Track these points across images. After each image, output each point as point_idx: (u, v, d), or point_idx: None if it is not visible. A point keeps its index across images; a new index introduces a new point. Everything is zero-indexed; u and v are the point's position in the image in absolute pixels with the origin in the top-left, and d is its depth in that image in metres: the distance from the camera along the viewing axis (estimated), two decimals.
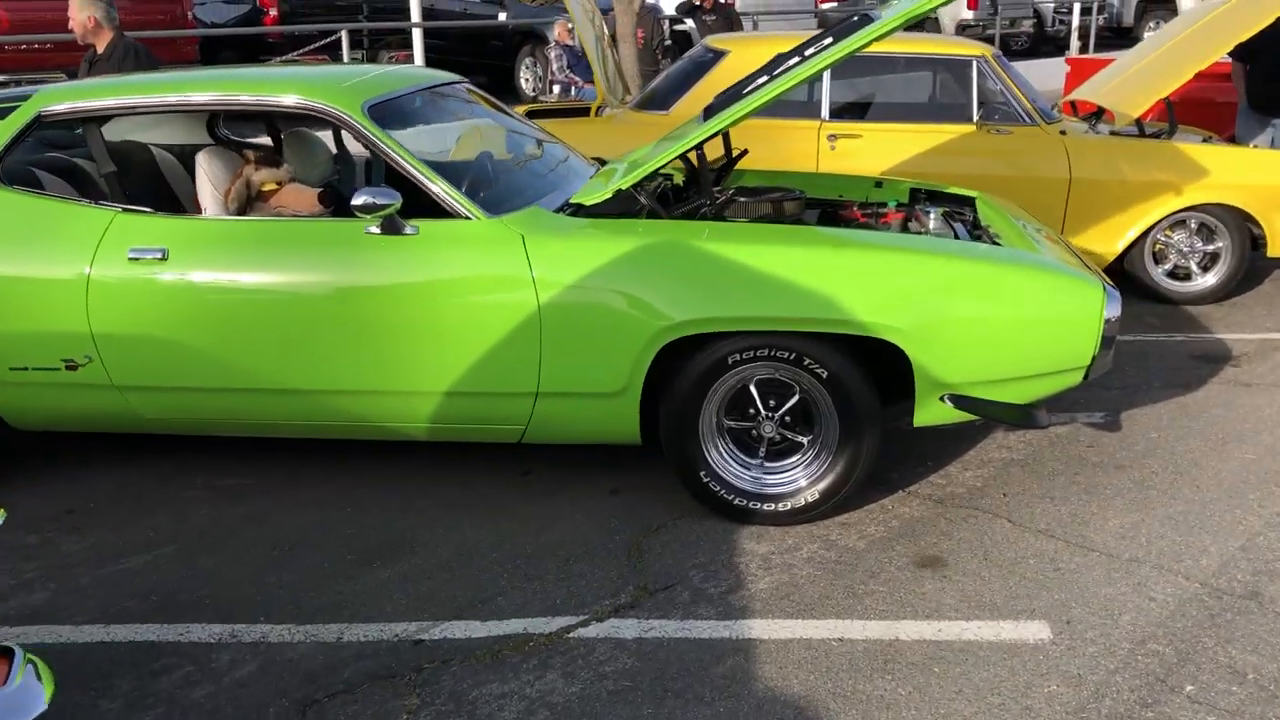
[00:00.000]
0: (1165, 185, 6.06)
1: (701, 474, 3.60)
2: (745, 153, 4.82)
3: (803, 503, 3.59)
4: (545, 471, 4.04)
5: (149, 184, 4.13)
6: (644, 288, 3.44)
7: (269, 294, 3.56)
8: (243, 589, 3.30)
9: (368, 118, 3.62)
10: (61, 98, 3.81)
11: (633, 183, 3.67)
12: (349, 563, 3.45)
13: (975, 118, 6.06)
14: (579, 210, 3.69)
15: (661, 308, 3.42)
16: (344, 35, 12.21)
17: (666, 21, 15.28)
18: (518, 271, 3.46)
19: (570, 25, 11.65)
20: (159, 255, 3.59)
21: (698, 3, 14.71)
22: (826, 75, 6.24)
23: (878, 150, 6.17)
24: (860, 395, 3.47)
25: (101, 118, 3.85)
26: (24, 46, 10.84)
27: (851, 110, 6.30)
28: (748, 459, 3.65)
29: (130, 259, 3.59)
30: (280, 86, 3.75)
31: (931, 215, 4.17)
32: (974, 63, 6.16)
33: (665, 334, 3.43)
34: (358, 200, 3.41)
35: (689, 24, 15.92)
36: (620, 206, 3.72)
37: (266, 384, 3.64)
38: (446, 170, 3.75)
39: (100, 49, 6.22)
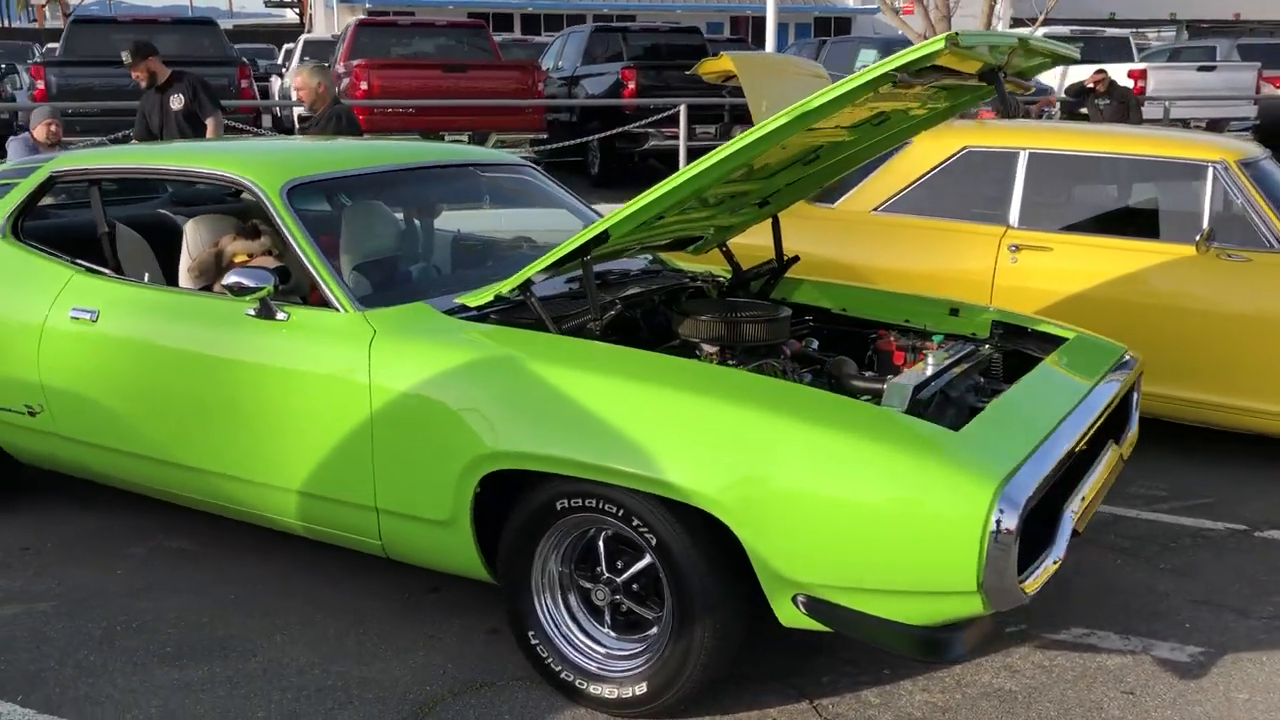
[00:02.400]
0: None
1: (530, 633, 3.05)
2: (796, 259, 4.13)
3: (630, 694, 2.92)
4: (453, 591, 3.64)
5: (139, 247, 4.27)
6: (467, 408, 2.98)
7: (161, 365, 3.54)
8: (46, 664, 3.25)
9: (281, 196, 3.48)
10: (72, 161, 4.07)
11: (512, 287, 3.21)
12: (163, 656, 3.29)
13: (1199, 238, 4.79)
14: (463, 311, 3.29)
15: (480, 433, 2.94)
16: (682, 109, 12.41)
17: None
18: (356, 372, 3.14)
19: None
20: (91, 316, 3.68)
21: (1090, 85, 13.34)
22: (1020, 173, 5.25)
23: (1066, 268, 5.07)
24: (692, 574, 2.75)
25: (96, 180, 4.05)
26: (390, 111, 12.08)
27: (1047, 217, 5.24)
28: (596, 627, 3.04)
29: (71, 317, 3.72)
30: (220, 160, 3.74)
31: (930, 359, 3.27)
32: (1210, 169, 4.89)
33: (483, 464, 2.94)
34: (227, 280, 3.29)
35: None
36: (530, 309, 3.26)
37: (164, 455, 3.60)
38: (371, 254, 3.53)
39: (318, 112, 6.71)
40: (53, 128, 7.42)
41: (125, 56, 7.48)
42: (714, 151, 2.84)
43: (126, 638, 3.40)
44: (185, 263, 3.99)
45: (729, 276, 4.17)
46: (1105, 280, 4.97)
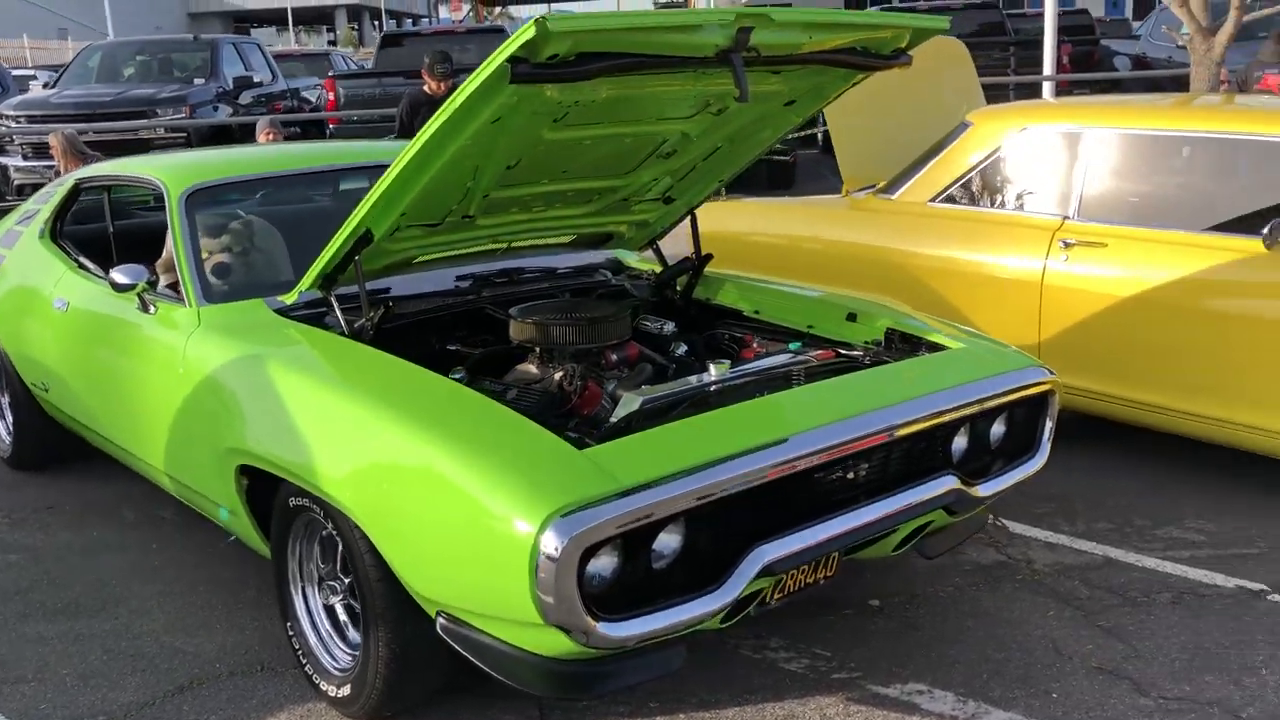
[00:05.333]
0: None
1: (288, 624, 3.14)
2: (709, 257, 3.89)
3: (339, 694, 2.93)
4: None
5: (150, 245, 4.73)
6: (222, 404, 3.16)
7: (94, 349, 3.98)
8: None
9: (180, 199, 3.78)
10: (94, 170, 4.65)
11: (310, 284, 3.30)
12: (51, 609, 3.72)
13: (1266, 231, 3.92)
14: (295, 309, 3.43)
15: (227, 429, 3.10)
16: None
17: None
18: (175, 363, 3.39)
19: None
20: (63, 307, 4.20)
21: None
22: (1082, 157, 4.55)
23: (1118, 267, 4.34)
24: (366, 578, 2.72)
25: (103, 186, 4.57)
26: None
27: (1109, 207, 4.50)
28: (328, 624, 3.09)
29: (55, 307, 4.26)
30: (149, 166, 4.11)
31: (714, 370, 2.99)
32: None
33: (232, 457, 3.08)
34: (111, 275, 3.64)
35: None
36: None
37: (101, 429, 4.05)
38: (241, 254, 3.78)
39: None
40: (272, 135, 8.36)
41: (440, 69, 8.08)
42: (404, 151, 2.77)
43: (39, 590, 3.86)
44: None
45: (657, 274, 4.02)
46: (1164, 282, 4.20)
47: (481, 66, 2.48)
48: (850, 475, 2.79)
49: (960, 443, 3.10)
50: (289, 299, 3.40)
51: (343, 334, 3.21)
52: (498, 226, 3.45)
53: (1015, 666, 3.15)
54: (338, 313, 3.26)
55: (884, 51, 3.10)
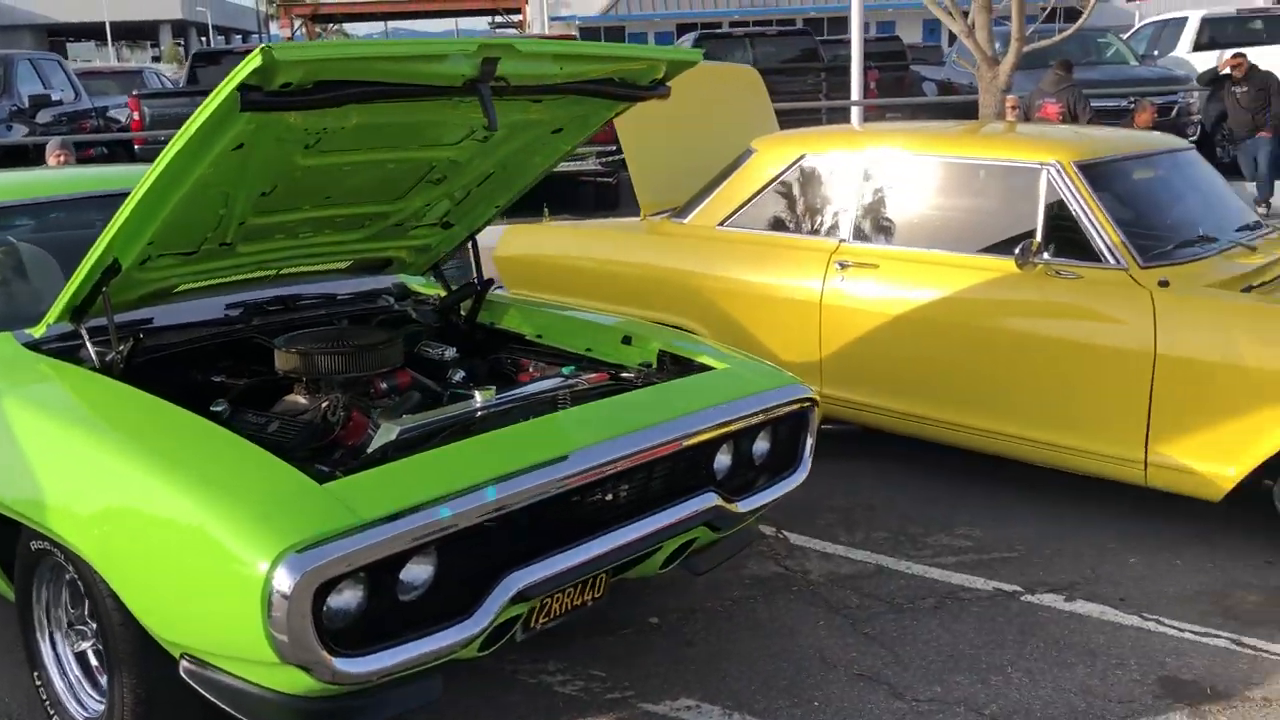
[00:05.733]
0: None
1: (35, 673, 2.99)
2: (491, 282, 3.90)
3: None
4: None
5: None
6: None
7: None
8: None
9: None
10: None
11: (57, 317, 3.16)
12: None
13: (1024, 250, 4.16)
14: (47, 341, 3.27)
15: None
16: None
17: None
18: None
19: None
20: None
21: (1226, 71, 11.99)
22: (854, 182, 4.75)
23: (889, 287, 4.54)
24: (109, 623, 2.61)
25: None
26: None
27: (879, 230, 4.71)
28: (78, 672, 2.96)
29: None
30: None
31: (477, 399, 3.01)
32: (1043, 172, 4.26)
33: None
34: None
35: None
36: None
37: None
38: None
39: None
40: (63, 157, 7.98)
41: None
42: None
43: None
44: None
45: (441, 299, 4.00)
46: (929, 301, 4.41)
47: (214, 93, 2.44)
48: (610, 496, 2.84)
49: (724, 460, 3.19)
50: (37, 332, 3.24)
51: (94, 368, 3.09)
52: (262, 253, 3.38)
53: (783, 677, 3.25)
54: (89, 346, 3.13)
55: (642, 82, 3.17)
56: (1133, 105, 11.40)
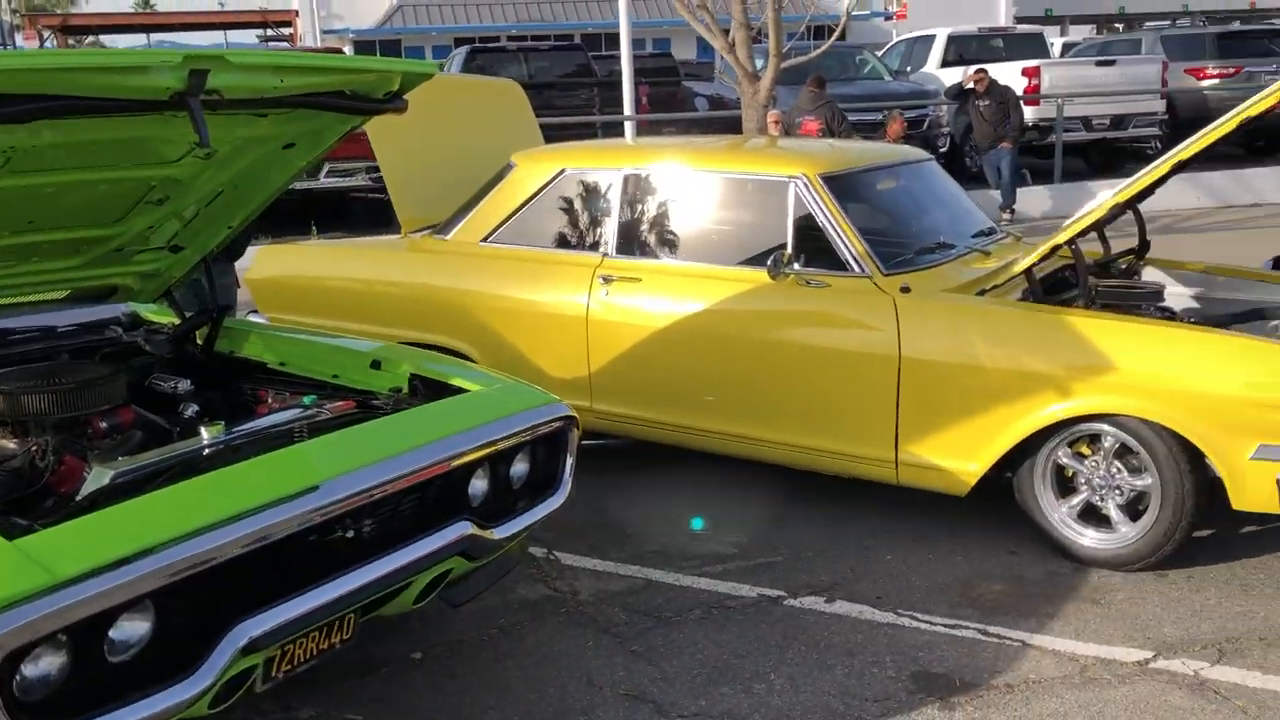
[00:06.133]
0: (1044, 380, 3.85)
1: None
2: (227, 308, 3.68)
3: None
4: None
5: None
6: None
7: None
8: None
9: None
10: None
11: None
12: None
13: (775, 261, 4.23)
14: None
15: None
16: None
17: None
18: None
19: None
20: None
21: (969, 86, 12.73)
22: (615, 196, 4.75)
23: (652, 300, 4.56)
24: None
25: None
26: None
27: (640, 243, 4.72)
28: None
29: None
30: None
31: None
32: (790, 185, 4.35)
33: None
34: None
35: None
36: None
37: None
38: None
39: None
40: None
41: None
42: None
43: None
44: None
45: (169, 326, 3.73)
46: (690, 313, 4.45)
47: None
48: (352, 533, 2.70)
49: (479, 485, 3.09)
50: None
51: None
52: (25, 280, 3.07)
53: (548, 705, 3.17)
54: None
55: (376, 95, 3.05)
56: (885, 118, 12.00)
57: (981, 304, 4.08)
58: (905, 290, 4.10)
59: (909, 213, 4.78)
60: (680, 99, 16.90)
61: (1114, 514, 3.90)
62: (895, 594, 3.78)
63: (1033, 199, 12.47)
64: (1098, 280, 4.41)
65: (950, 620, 3.59)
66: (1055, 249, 4.12)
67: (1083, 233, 4.06)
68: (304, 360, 3.60)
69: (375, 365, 3.47)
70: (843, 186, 4.37)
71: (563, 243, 4.90)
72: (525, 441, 3.17)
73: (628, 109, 12.33)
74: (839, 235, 4.24)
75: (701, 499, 4.64)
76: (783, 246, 4.29)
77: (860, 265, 4.19)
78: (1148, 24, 28.42)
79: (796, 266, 4.25)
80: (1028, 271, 4.15)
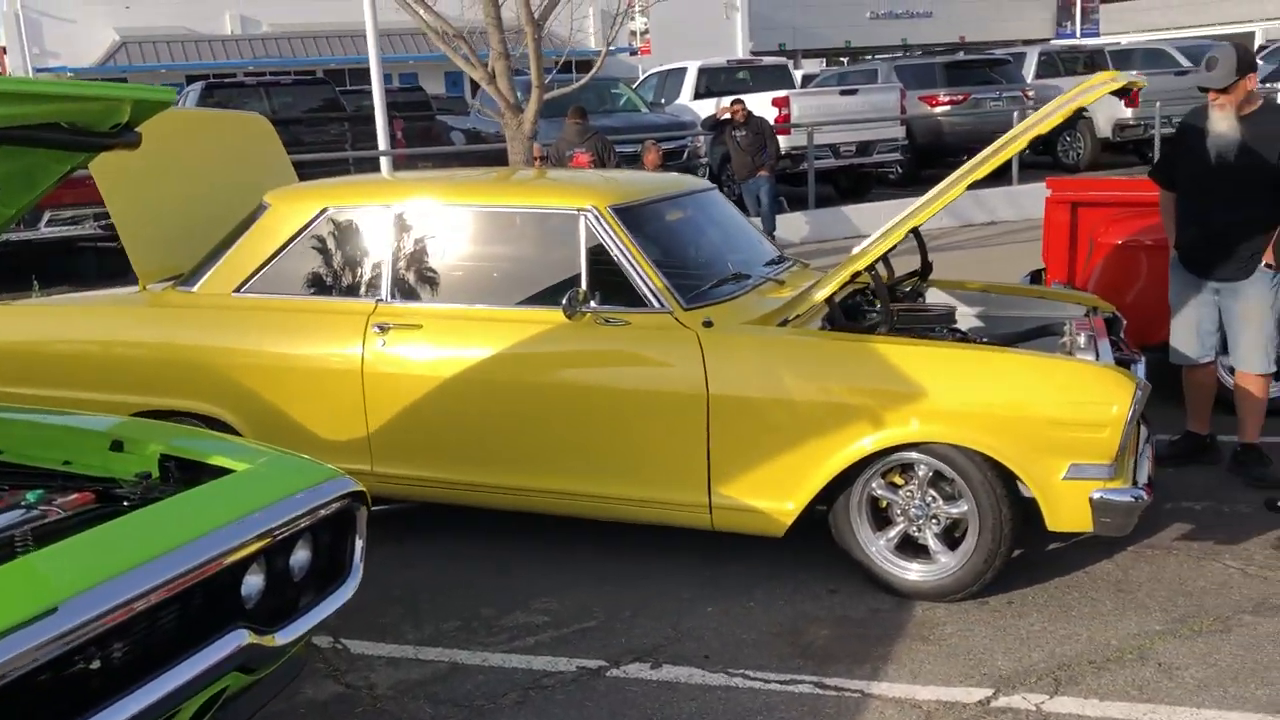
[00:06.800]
0: (856, 411, 3.71)
1: None
2: None
3: None
4: None
5: None
6: None
7: None
8: None
9: None
10: None
11: None
12: None
13: (570, 299, 3.92)
14: None
15: None
16: None
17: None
18: None
19: None
20: None
21: (726, 116, 12.90)
22: (388, 236, 4.33)
23: (435, 348, 4.16)
24: None
25: None
26: None
27: (420, 287, 4.32)
28: None
29: None
30: None
31: None
32: (580, 218, 4.07)
33: None
34: None
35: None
36: None
37: None
38: None
39: None
40: None
41: None
42: None
43: None
44: None
45: None
46: (479, 360, 4.07)
47: None
48: (96, 663, 2.18)
49: (254, 582, 2.62)
50: None
51: None
52: None
53: None
54: None
55: (101, 128, 2.55)
56: (640, 149, 11.99)
57: (787, 335, 3.91)
58: (708, 325, 3.88)
59: (701, 244, 4.59)
60: (435, 134, 16.45)
61: (932, 544, 3.80)
62: (723, 651, 3.53)
63: (791, 225, 12.76)
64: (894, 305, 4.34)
65: (784, 676, 3.36)
66: (856, 275, 4.01)
67: (882, 257, 3.97)
68: (26, 445, 3.00)
69: (117, 446, 2.92)
70: (634, 218, 4.13)
71: (330, 289, 4.42)
72: (307, 527, 2.72)
73: (382, 144, 11.80)
74: (636, 270, 3.98)
75: (502, 562, 4.26)
76: (577, 283, 4.00)
77: (660, 300, 3.95)
78: (878, 56, 30.19)
79: (593, 304, 3.96)
80: (829, 299, 4.02)
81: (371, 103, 15.79)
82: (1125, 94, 4.11)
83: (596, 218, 4.04)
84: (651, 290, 3.96)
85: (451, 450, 4.17)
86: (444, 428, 4.17)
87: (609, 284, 4.01)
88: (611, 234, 4.01)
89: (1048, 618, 3.65)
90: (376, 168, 12.21)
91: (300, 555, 2.76)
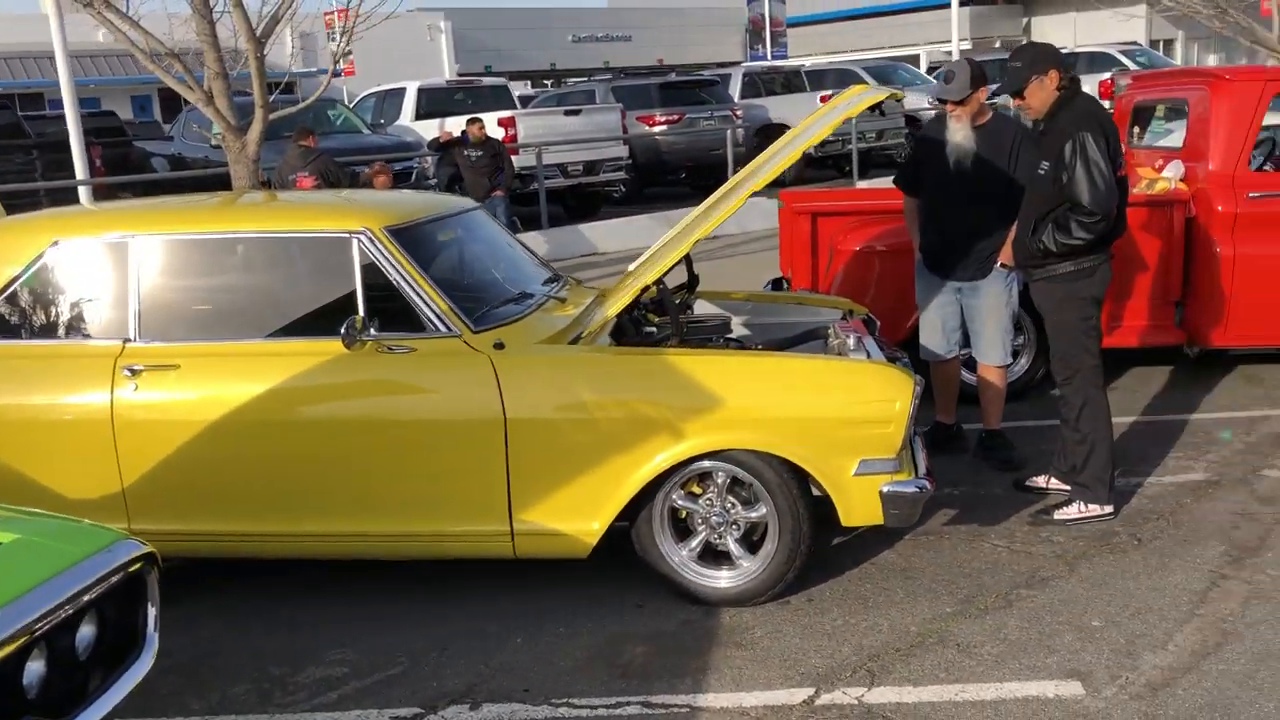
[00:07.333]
0: (655, 425, 3.70)
1: None
2: None
3: None
4: None
5: None
6: None
7: None
8: None
9: None
10: None
11: None
12: None
13: (349, 329, 3.69)
14: None
15: None
16: None
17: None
18: None
19: None
20: None
21: (456, 136, 12.69)
22: (132, 268, 3.93)
23: (196, 390, 3.81)
24: None
25: None
26: None
27: (175, 323, 3.96)
28: None
29: None
30: None
31: None
32: (353, 242, 3.85)
33: None
34: None
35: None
36: None
37: None
38: None
39: None
40: None
41: None
42: None
43: None
44: None
45: None
46: (249, 399, 3.77)
47: None
48: None
49: (35, 669, 2.28)
50: None
51: None
52: None
53: None
54: None
55: None
56: (366, 172, 11.60)
57: (583, 354, 3.85)
58: (500, 346, 3.76)
59: (479, 264, 4.46)
60: (135, 160, 15.28)
61: (734, 549, 3.84)
62: (542, 682, 3.42)
63: (530, 245, 12.69)
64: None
65: (609, 700, 3.29)
66: (645, 289, 4.01)
67: (669, 270, 3.99)
68: None
69: None
70: (410, 239, 3.95)
71: (67, 331, 3.97)
72: (92, 600, 2.40)
73: (81, 172, 10.82)
74: (417, 293, 3.80)
75: (286, 616, 3.96)
76: (354, 311, 3.77)
77: (446, 324, 3.79)
78: (594, 79, 30.81)
79: (373, 331, 3.75)
80: (619, 315, 4.00)
81: (55, 129, 14.53)
82: (877, 107, 4.33)
83: (371, 240, 3.83)
84: (436, 314, 3.79)
85: (224, 500, 3.83)
86: (211, 476, 3.83)
87: (389, 310, 3.82)
88: (389, 256, 3.82)
89: (848, 611, 3.77)
90: (75, 199, 11.19)
91: (85, 632, 2.44)
